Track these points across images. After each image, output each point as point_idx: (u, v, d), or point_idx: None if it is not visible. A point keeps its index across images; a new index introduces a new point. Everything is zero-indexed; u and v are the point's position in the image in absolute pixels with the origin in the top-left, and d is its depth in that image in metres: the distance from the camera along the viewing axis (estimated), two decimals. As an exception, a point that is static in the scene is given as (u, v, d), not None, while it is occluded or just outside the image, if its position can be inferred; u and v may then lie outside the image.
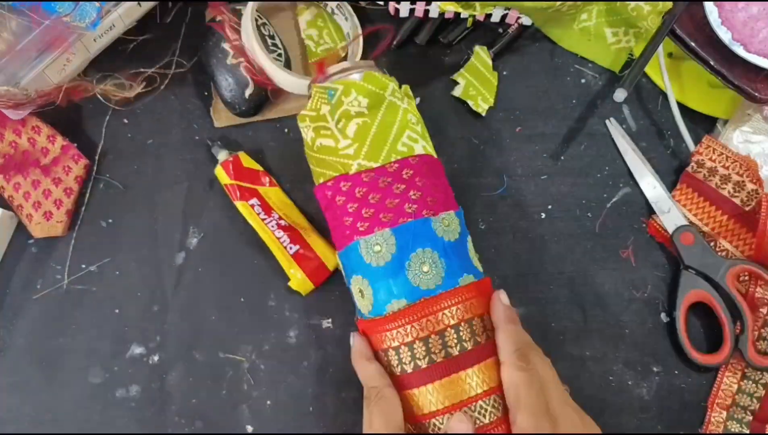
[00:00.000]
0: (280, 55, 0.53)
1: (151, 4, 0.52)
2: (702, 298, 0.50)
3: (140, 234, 0.53)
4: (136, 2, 0.50)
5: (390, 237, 0.42)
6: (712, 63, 0.50)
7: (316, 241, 0.51)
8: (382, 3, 0.55)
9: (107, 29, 0.49)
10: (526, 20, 0.55)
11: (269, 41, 0.53)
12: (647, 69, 0.55)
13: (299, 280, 0.50)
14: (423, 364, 0.41)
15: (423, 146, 0.45)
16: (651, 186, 0.53)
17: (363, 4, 0.57)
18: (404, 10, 0.54)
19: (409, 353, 0.41)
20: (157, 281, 0.52)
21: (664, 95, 0.55)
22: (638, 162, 0.53)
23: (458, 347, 0.41)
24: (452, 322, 0.41)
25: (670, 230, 0.51)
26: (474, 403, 0.40)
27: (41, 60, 0.47)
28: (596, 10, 0.55)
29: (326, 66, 0.46)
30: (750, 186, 0.51)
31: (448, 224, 0.43)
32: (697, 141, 0.53)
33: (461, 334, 0.41)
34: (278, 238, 0.51)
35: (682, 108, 0.54)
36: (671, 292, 0.52)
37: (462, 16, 0.54)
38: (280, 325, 0.51)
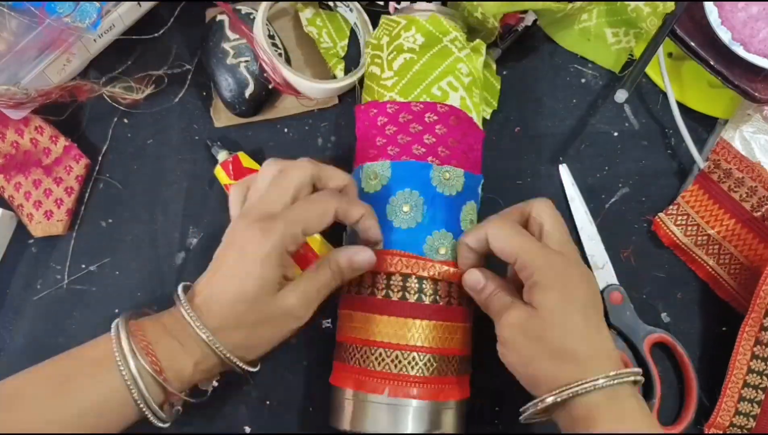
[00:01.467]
0: (280, 54, 0.53)
1: (151, 4, 0.52)
2: None
3: (140, 234, 0.53)
4: (136, 2, 0.50)
5: (387, 169, 0.44)
6: (712, 63, 0.50)
7: (315, 242, 0.51)
8: (381, 3, 0.55)
9: (107, 29, 0.49)
10: (528, 20, 0.55)
11: (270, 41, 0.53)
12: (647, 69, 0.55)
13: None
14: (426, 299, 0.43)
15: (461, 97, 0.45)
16: (589, 238, 0.52)
17: (363, 4, 0.57)
18: (404, 10, 0.54)
19: (417, 285, 0.43)
20: (157, 281, 0.52)
21: (665, 95, 0.54)
22: (582, 212, 0.53)
23: (457, 301, 0.43)
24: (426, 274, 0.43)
25: (601, 287, 0.51)
26: (408, 352, 0.42)
27: (41, 60, 0.47)
28: (596, 11, 0.55)
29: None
30: (762, 191, 0.50)
31: (448, 178, 0.44)
32: (697, 141, 0.53)
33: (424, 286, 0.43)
34: (278, 238, 0.51)
35: (682, 108, 0.54)
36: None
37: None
38: (279, 325, 0.51)
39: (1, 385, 0.37)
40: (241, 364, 0.40)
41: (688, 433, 0.49)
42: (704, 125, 0.55)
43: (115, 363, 0.37)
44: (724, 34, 0.49)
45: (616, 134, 0.55)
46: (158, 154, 0.54)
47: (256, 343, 0.40)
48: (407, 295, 0.43)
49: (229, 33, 0.52)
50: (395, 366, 0.42)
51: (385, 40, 0.47)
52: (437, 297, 0.43)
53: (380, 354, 0.42)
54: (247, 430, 0.50)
